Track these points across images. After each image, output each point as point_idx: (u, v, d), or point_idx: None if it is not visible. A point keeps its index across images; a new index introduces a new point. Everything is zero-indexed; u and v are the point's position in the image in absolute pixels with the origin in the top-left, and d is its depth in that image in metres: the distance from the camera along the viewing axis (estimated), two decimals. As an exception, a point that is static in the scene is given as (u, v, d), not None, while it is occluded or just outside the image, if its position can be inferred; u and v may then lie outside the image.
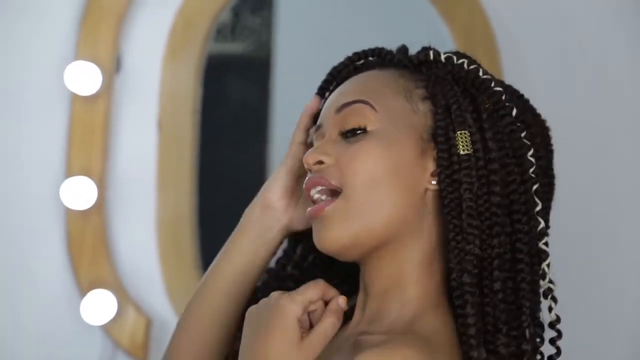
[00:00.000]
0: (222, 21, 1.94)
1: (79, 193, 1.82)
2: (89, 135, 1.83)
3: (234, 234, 1.16)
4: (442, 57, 1.05)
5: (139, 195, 1.88)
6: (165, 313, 1.87)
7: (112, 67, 1.84)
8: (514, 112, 1.02)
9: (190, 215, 1.88)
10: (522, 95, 1.12)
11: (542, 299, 1.00)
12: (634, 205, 1.89)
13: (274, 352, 0.95)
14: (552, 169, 1.12)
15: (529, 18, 1.85)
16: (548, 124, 1.86)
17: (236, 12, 1.98)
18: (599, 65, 1.86)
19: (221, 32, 1.97)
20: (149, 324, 1.84)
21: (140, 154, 1.88)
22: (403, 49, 1.10)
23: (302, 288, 1.00)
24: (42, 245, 1.87)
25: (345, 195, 0.99)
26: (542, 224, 1.00)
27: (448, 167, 0.99)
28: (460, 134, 0.99)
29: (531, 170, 1.01)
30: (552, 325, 1.00)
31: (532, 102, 1.83)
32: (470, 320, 0.94)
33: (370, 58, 1.10)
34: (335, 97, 1.06)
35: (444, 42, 1.77)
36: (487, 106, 1.01)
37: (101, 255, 1.84)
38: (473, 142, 0.99)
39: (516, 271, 0.97)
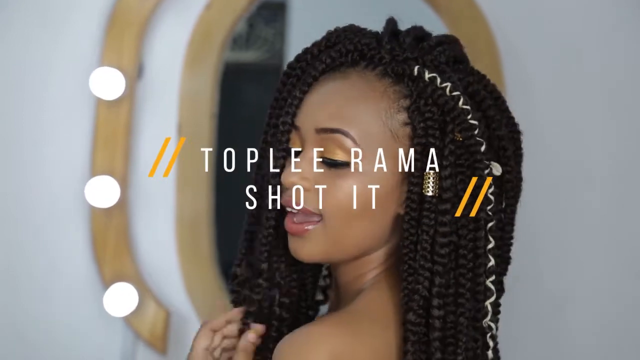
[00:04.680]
0: (237, 32, 2.00)
1: (103, 192, 1.85)
2: (112, 137, 1.88)
3: None
4: (427, 75, 1.01)
5: (159, 194, 1.91)
6: (183, 306, 1.92)
7: (135, 74, 1.88)
8: (483, 147, 0.99)
9: (207, 213, 1.92)
10: (501, 101, 1.08)
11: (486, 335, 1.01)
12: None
13: None
14: (520, 174, 1.09)
15: (531, 27, 1.85)
16: (549, 131, 1.84)
17: (251, 23, 2.05)
18: (600, 72, 1.85)
19: (237, 42, 2.03)
20: (168, 316, 1.89)
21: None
22: (390, 48, 1.04)
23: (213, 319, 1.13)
24: (68, 241, 1.91)
25: (323, 222, 1.02)
26: (492, 262, 0.99)
27: (414, 209, 0.99)
28: (432, 172, 0.99)
29: (489, 208, 1.00)
30: None
31: (533, 110, 1.83)
32: (409, 357, 0.97)
33: (357, 57, 1.05)
34: (317, 109, 1.03)
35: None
36: (457, 138, 0.99)
37: (123, 251, 1.89)
38: (440, 181, 0.98)
39: (457, 305, 0.98)
